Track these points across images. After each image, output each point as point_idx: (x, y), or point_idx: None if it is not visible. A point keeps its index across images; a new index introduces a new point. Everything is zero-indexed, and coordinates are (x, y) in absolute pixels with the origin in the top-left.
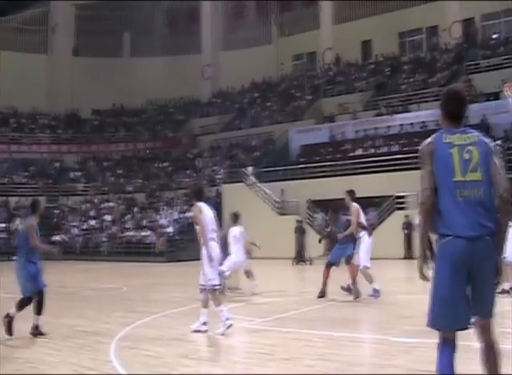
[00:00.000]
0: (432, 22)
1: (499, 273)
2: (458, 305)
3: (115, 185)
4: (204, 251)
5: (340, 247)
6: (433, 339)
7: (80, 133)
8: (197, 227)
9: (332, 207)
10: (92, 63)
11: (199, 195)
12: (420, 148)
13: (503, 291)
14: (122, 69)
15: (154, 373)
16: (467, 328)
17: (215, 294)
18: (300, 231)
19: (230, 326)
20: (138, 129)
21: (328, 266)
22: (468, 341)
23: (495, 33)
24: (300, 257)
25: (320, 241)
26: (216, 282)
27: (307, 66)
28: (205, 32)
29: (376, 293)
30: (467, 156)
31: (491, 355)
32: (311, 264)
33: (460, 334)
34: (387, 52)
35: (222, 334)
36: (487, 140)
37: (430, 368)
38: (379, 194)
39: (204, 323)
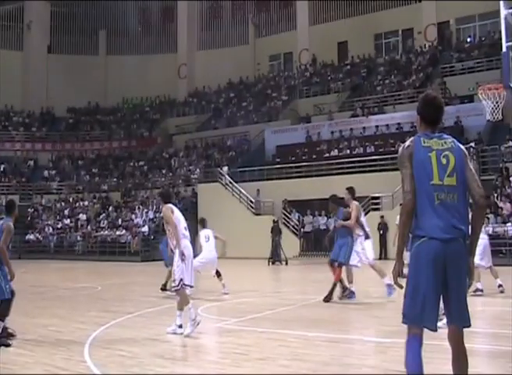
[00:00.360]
0: (408, 24)
1: (470, 275)
2: (428, 302)
3: (90, 184)
4: (176, 251)
5: (339, 243)
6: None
7: (55, 131)
8: (169, 228)
9: (334, 198)
10: (67, 61)
11: (167, 198)
12: (399, 151)
13: (477, 290)
14: (97, 67)
15: (129, 373)
16: (435, 330)
17: (184, 293)
18: (276, 231)
19: (198, 324)
20: (113, 128)
21: (339, 266)
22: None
23: (469, 37)
24: (275, 257)
25: (327, 240)
26: (188, 282)
27: (283, 66)
28: (181, 31)
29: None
30: (444, 161)
31: (463, 361)
32: (286, 264)
33: (432, 334)
34: (363, 54)
35: (188, 335)
36: (461, 146)
37: (404, 368)
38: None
39: (180, 326)
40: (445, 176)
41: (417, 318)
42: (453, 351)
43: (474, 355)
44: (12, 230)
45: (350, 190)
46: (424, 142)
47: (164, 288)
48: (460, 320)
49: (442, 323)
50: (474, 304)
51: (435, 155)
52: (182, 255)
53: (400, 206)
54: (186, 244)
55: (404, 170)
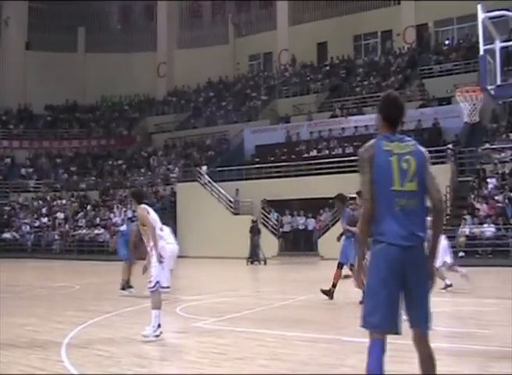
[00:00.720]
0: (387, 26)
1: (432, 281)
2: (388, 308)
3: (68, 182)
4: (153, 252)
5: (345, 244)
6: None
7: (32, 128)
8: (145, 228)
9: (340, 197)
10: (45, 58)
11: (140, 198)
12: (358, 153)
13: (446, 286)
14: (76, 64)
15: (107, 373)
16: (397, 333)
17: (158, 295)
18: (255, 231)
19: (159, 335)
20: (92, 126)
21: (351, 267)
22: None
23: (447, 40)
24: (254, 257)
25: (338, 239)
26: (165, 284)
27: (262, 66)
28: (161, 30)
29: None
30: (405, 166)
31: (430, 365)
32: (265, 264)
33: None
34: (342, 55)
35: (145, 336)
36: (423, 149)
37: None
38: (333, 195)
39: (159, 325)
40: (405, 181)
41: (376, 324)
42: (418, 354)
43: (451, 355)
44: None
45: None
46: (384, 146)
47: (124, 287)
48: (420, 326)
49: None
50: (450, 304)
51: (396, 159)
52: (160, 259)
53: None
54: (162, 245)
55: (363, 176)
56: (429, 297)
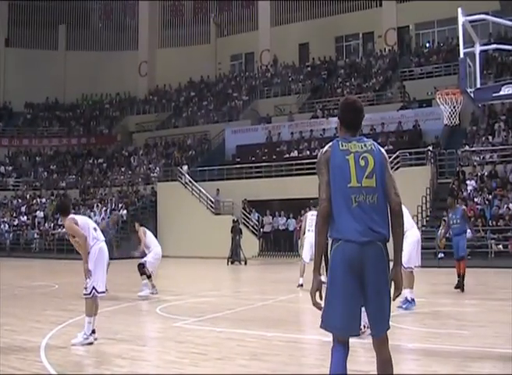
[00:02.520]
0: (368, 28)
1: (397, 285)
2: (348, 308)
3: (48, 181)
4: (91, 256)
5: None
6: (366, 339)
7: (12, 126)
8: (76, 239)
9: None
10: (25, 55)
11: (65, 210)
12: (317, 156)
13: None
14: (56, 62)
15: (85, 373)
16: (358, 335)
17: (93, 301)
18: (236, 231)
19: (91, 343)
20: (72, 124)
21: None
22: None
23: (428, 42)
24: (235, 257)
25: None
26: (101, 288)
27: (244, 66)
28: (142, 28)
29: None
30: (362, 163)
31: (388, 369)
32: (245, 264)
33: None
34: (324, 56)
35: (74, 344)
36: (382, 149)
37: (364, 368)
38: (314, 195)
39: (93, 331)
40: (363, 177)
41: (337, 326)
42: (376, 358)
43: (429, 355)
44: None
45: None
46: (341, 146)
47: None
48: (376, 329)
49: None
50: (429, 305)
51: (353, 157)
52: (89, 271)
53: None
54: (101, 246)
55: (321, 177)
56: (387, 297)
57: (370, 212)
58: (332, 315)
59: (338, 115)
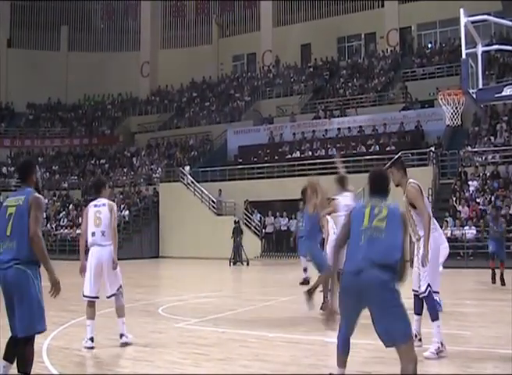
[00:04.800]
0: (370, 29)
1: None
2: (348, 325)
3: (50, 181)
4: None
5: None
6: (367, 340)
7: (14, 127)
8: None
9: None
10: (28, 56)
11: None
12: None
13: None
14: (58, 62)
15: (87, 373)
16: None
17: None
18: (237, 232)
19: (91, 348)
20: (74, 125)
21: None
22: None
23: (430, 43)
24: (236, 258)
25: None
26: (87, 292)
27: (246, 67)
28: (144, 29)
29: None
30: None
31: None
32: (247, 265)
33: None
34: (326, 56)
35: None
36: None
37: (365, 369)
38: None
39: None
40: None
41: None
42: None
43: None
44: None
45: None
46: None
47: None
48: (390, 340)
49: None
50: None
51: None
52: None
53: None
54: (91, 250)
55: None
56: (392, 311)
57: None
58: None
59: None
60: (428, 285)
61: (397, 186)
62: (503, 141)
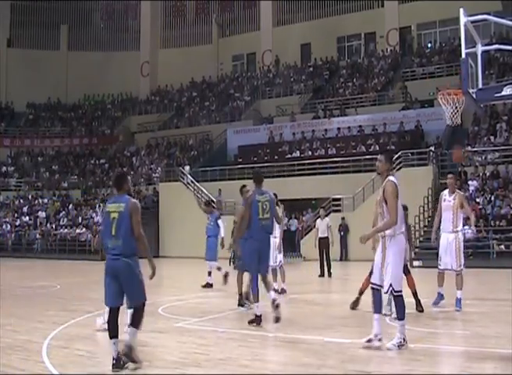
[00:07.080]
0: (370, 28)
1: None
2: None
3: (50, 181)
4: None
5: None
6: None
7: (14, 126)
8: None
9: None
10: (27, 55)
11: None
12: None
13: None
14: (58, 62)
15: (87, 373)
16: None
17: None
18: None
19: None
20: (74, 124)
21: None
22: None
23: (430, 43)
24: (236, 257)
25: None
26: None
27: (246, 66)
28: (144, 29)
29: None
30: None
31: None
32: None
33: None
34: (325, 56)
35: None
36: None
37: (363, 368)
38: (316, 196)
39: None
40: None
41: None
42: None
43: (433, 356)
44: None
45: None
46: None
47: None
48: None
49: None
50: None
51: None
52: None
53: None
54: None
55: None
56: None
57: None
58: None
59: None
60: (391, 285)
61: (379, 174)
62: (502, 140)
